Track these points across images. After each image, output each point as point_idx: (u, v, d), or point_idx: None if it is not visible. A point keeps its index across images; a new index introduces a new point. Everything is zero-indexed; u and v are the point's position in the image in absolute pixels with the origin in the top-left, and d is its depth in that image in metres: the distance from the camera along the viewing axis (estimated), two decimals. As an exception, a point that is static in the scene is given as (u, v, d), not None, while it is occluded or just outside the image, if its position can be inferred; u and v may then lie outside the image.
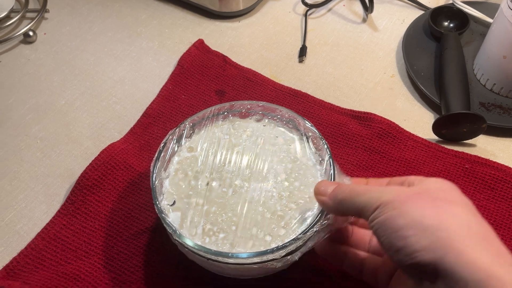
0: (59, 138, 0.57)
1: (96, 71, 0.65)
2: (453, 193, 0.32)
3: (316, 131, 0.45)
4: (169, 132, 0.46)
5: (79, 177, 0.51)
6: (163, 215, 0.41)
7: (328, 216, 0.38)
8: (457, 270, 0.27)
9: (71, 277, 0.45)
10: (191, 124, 0.47)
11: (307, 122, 0.46)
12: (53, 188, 0.53)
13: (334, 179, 0.41)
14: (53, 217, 0.50)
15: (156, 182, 0.43)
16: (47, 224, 0.49)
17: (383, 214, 0.31)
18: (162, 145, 0.45)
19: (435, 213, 0.29)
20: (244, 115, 0.49)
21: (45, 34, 0.70)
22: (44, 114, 0.60)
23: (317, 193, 0.38)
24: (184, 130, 0.47)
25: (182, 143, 0.47)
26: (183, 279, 0.45)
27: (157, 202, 0.41)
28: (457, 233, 0.28)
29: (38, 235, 0.48)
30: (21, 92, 0.62)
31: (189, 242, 0.39)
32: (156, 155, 0.44)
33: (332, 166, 0.42)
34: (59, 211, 0.50)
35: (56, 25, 0.71)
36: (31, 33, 0.68)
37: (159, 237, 0.48)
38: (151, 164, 0.44)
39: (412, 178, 0.35)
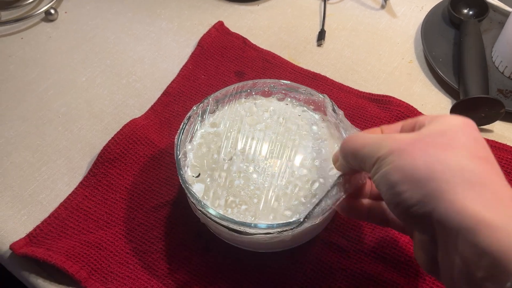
0: (80, 113, 0.58)
1: (116, 50, 0.65)
2: (454, 135, 0.29)
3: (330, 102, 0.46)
4: (194, 106, 0.47)
5: (102, 150, 0.52)
6: (187, 185, 0.41)
7: (344, 175, 0.38)
8: (447, 220, 0.26)
9: (93, 246, 0.46)
10: (214, 100, 0.48)
11: (327, 99, 0.46)
12: (74, 161, 0.54)
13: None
14: (76, 188, 0.51)
15: (181, 154, 0.44)
16: (70, 194, 0.50)
17: (379, 170, 0.30)
18: (186, 118, 0.46)
19: (427, 164, 0.27)
20: (266, 94, 0.50)
21: (65, 12, 0.71)
22: (65, 90, 0.61)
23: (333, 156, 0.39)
24: (208, 106, 0.48)
25: (206, 118, 0.48)
26: (203, 251, 0.46)
27: (182, 173, 0.42)
28: (448, 181, 0.26)
29: (61, 204, 0.49)
30: (43, 68, 0.63)
31: (212, 211, 0.40)
32: (180, 127, 0.45)
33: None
34: (81, 182, 0.51)
35: (76, 4, 0.72)
36: (52, 11, 0.69)
37: (180, 210, 0.49)
38: (176, 137, 0.44)
39: (422, 118, 0.33)
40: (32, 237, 0.47)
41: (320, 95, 0.47)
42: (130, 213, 0.49)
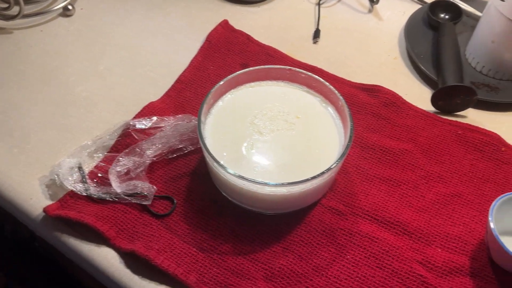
0: (100, 98, 0.64)
1: (131, 44, 0.72)
2: None
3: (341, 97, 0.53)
4: (219, 81, 0.53)
5: (124, 128, 0.58)
6: (204, 139, 0.48)
7: None
8: None
9: (119, 210, 0.52)
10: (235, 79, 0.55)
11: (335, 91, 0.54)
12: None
13: None
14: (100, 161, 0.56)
15: (202, 116, 0.50)
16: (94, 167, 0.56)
17: None
18: (212, 89, 0.52)
19: None
20: (281, 77, 0.57)
21: (82, 9, 0.77)
22: (86, 77, 0.66)
23: None
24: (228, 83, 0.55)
25: (227, 93, 0.55)
26: (218, 215, 0.52)
27: (201, 130, 0.49)
28: None
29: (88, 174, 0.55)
30: (64, 57, 0.69)
31: (230, 170, 0.46)
32: (207, 95, 0.51)
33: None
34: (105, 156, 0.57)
35: (91, 2, 0.78)
36: (70, 7, 0.74)
37: (197, 180, 0.55)
38: (202, 102, 0.51)
39: None
40: (63, 203, 0.52)
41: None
42: (151, 182, 0.55)
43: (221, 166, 0.46)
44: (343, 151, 0.48)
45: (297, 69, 0.56)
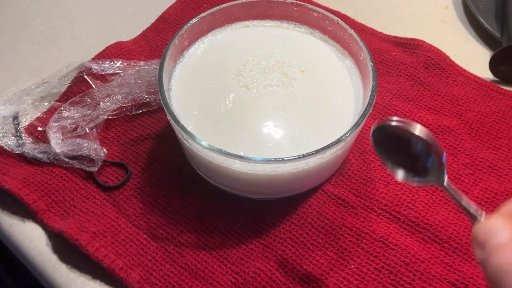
0: (61, 33, 0.51)
1: (110, -29, 0.58)
2: None
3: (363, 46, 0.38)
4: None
5: (79, 71, 0.45)
6: (164, 92, 0.34)
7: None
8: None
9: (57, 175, 0.40)
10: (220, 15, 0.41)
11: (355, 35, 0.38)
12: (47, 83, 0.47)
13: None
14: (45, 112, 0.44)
15: (167, 60, 0.36)
16: (38, 117, 0.43)
17: None
18: (186, 25, 0.38)
19: None
20: (285, 16, 0.42)
21: None
22: (48, 7, 0.54)
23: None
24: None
25: (209, 33, 0.41)
26: (184, 192, 0.39)
27: (162, 79, 0.35)
28: None
29: (26, 128, 0.43)
30: (26, -18, 0.56)
31: (197, 138, 0.33)
32: (178, 32, 0.38)
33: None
34: (52, 106, 0.44)
35: None
36: None
37: (163, 145, 0.42)
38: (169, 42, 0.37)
39: None
40: (-12, 160, 0.41)
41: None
42: (104, 143, 0.42)
43: (186, 131, 0.33)
44: (358, 119, 0.33)
45: (308, 5, 0.41)
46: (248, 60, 0.40)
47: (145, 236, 0.37)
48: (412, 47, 0.49)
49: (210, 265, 0.36)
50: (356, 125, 0.33)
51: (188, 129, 0.33)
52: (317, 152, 0.31)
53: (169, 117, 0.34)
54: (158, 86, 0.35)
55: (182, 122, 0.35)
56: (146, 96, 0.43)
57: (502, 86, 0.46)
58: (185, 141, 0.34)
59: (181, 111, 0.36)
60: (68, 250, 0.36)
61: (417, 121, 0.44)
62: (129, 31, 0.51)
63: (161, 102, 0.35)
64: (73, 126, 0.41)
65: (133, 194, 0.39)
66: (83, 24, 0.52)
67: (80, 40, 0.51)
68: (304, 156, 0.31)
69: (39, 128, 0.42)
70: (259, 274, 0.35)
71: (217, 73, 0.39)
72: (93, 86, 0.44)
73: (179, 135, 0.35)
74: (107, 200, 0.39)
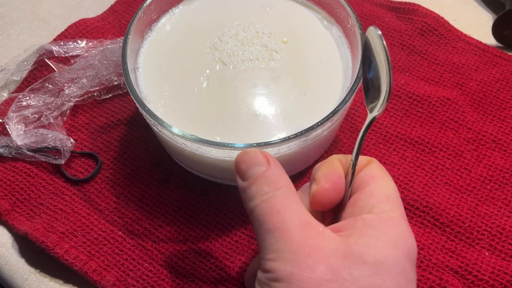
0: (22, 15, 0.47)
1: None
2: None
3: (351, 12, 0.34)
4: None
5: (38, 55, 0.41)
6: (128, 72, 0.30)
7: None
8: None
9: (21, 171, 0.36)
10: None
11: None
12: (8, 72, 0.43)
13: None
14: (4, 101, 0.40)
15: (131, 35, 0.32)
16: (-3, 107, 0.40)
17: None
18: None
19: None
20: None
21: None
22: (6, -16, 0.49)
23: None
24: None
25: (179, 3, 0.36)
26: (160, 182, 0.36)
27: (126, 57, 0.31)
28: None
29: (-15, 119, 0.39)
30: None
31: (175, 130, 0.29)
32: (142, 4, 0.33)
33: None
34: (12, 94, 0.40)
35: None
36: None
37: (136, 131, 0.38)
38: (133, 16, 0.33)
39: (368, 217, 0.23)
40: None
41: None
42: (71, 133, 0.38)
43: (153, 116, 0.29)
44: (346, 96, 0.29)
45: (289, -33, 0.37)
46: (224, 31, 0.36)
47: (120, 233, 0.34)
48: (407, 12, 0.44)
49: (191, 262, 0.33)
50: (343, 102, 0.29)
51: (157, 114, 0.29)
52: (300, 134, 0.28)
53: (134, 100, 0.30)
54: (121, 65, 0.31)
55: (151, 105, 0.31)
56: (115, 78, 0.39)
57: (506, 52, 0.42)
58: (154, 127, 0.31)
59: (150, 92, 0.33)
60: (37, 253, 0.33)
61: (414, 93, 0.40)
62: (97, 8, 0.47)
63: (126, 85, 0.31)
64: (36, 116, 0.38)
65: (105, 187, 0.36)
66: (46, 4, 0.47)
67: (43, 21, 0.46)
68: (286, 139, 0.28)
69: (-1, 120, 0.38)
70: (245, 268, 0.32)
71: (189, 48, 0.35)
72: (56, 70, 0.40)
73: (147, 121, 0.31)
74: (77, 195, 0.36)
